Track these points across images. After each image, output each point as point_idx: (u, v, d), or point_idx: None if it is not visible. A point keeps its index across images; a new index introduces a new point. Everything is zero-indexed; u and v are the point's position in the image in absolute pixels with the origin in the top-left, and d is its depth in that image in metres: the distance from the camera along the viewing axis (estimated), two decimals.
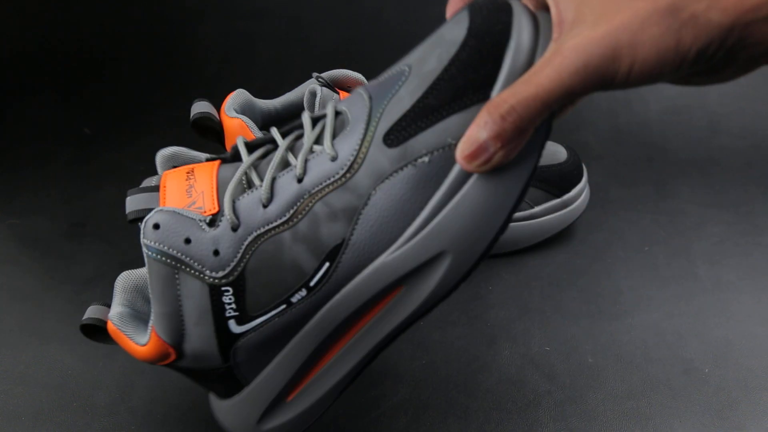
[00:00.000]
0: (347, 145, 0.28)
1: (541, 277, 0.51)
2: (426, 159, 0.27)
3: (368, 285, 0.29)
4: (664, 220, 0.58)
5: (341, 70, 0.50)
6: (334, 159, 0.28)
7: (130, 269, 0.37)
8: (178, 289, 0.30)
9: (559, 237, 0.55)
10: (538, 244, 0.54)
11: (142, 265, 0.54)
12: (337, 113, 0.30)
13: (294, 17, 0.85)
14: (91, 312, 0.34)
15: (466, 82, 0.26)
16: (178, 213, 0.29)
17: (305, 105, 0.49)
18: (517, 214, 0.52)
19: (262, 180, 0.30)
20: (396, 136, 0.27)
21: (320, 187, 0.28)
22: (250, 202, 0.29)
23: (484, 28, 0.26)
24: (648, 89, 0.77)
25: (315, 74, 0.50)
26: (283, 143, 0.30)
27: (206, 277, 0.29)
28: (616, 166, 0.67)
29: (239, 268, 0.29)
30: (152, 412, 0.40)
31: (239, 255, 0.29)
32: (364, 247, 0.28)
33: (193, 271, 0.29)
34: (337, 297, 0.29)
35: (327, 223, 0.28)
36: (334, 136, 0.29)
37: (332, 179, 0.28)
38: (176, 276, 0.29)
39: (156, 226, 0.29)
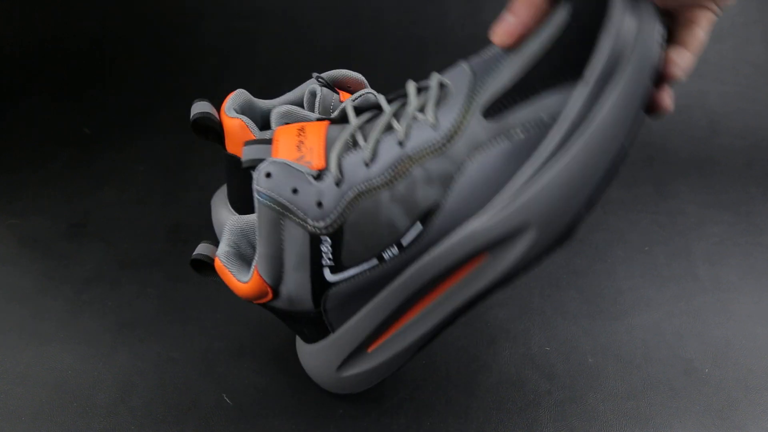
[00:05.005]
0: (449, 115, 0.30)
1: (541, 277, 0.51)
2: (520, 132, 0.28)
3: (456, 249, 0.30)
4: (664, 220, 0.58)
5: (341, 70, 0.50)
6: (434, 127, 0.30)
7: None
8: (282, 233, 0.32)
9: None
10: None
11: (142, 265, 0.54)
12: (441, 85, 0.32)
13: (294, 17, 0.85)
14: (201, 249, 0.37)
15: (563, 61, 0.27)
16: (289, 165, 0.31)
17: (305, 105, 0.49)
18: None
19: (366, 141, 0.32)
20: (494, 109, 0.29)
21: (420, 152, 0.30)
22: (354, 160, 0.31)
23: (585, 10, 0.27)
24: None
25: (315, 74, 0.50)
26: (388, 109, 0.32)
27: (308, 226, 0.32)
28: None
29: (339, 221, 0.31)
30: (152, 412, 0.40)
31: (340, 209, 0.31)
32: (456, 212, 0.30)
33: (297, 219, 0.32)
34: (426, 257, 0.31)
35: (423, 187, 0.30)
36: (437, 105, 0.31)
37: (432, 146, 0.30)
38: (282, 222, 0.32)
39: (268, 175, 0.31)
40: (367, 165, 0.31)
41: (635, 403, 0.40)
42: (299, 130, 0.34)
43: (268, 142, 0.34)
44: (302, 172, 0.31)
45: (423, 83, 0.33)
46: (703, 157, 0.68)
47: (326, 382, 0.39)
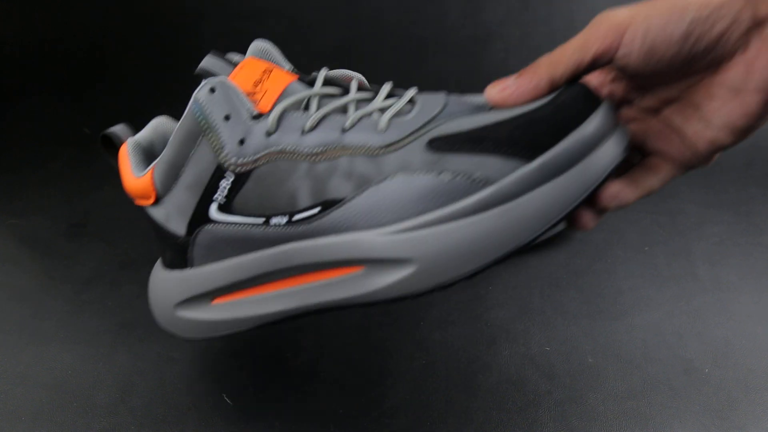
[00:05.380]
0: (399, 129, 0.30)
1: (541, 277, 0.51)
2: (448, 177, 0.28)
3: (338, 248, 0.30)
4: (664, 220, 0.58)
5: (341, 70, 0.50)
6: (381, 132, 0.30)
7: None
8: (194, 149, 0.32)
9: (559, 237, 0.55)
10: (539, 244, 0.54)
11: (142, 265, 0.54)
12: (412, 100, 0.32)
13: (294, 17, 0.85)
14: (119, 129, 0.37)
15: (522, 137, 0.28)
16: (236, 93, 0.32)
17: None
18: None
19: (317, 111, 0.32)
20: (440, 144, 0.29)
21: (355, 146, 0.30)
22: (294, 122, 0.31)
23: (566, 105, 0.28)
24: None
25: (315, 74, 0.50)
26: (352, 96, 0.32)
27: (221, 156, 0.31)
28: None
29: (250, 166, 0.31)
30: (152, 412, 0.40)
31: (257, 156, 0.31)
32: (355, 215, 0.30)
33: (214, 144, 0.31)
34: (308, 242, 0.31)
35: (340, 178, 0.30)
36: (396, 115, 0.31)
37: (368, 147, 0.30)
38: (199, 138, 0.32)
39: (212, 90, 0.31)
40: (303, 132, 0.31)
41: (635, 403, 0.40)
42: (266, 70, 0.33)
43: (232, 64, 0.33)
44: (244, 105, 0.31)
45: (399, 90, 0.33)
46: None
47: (162, 316, 0.38)
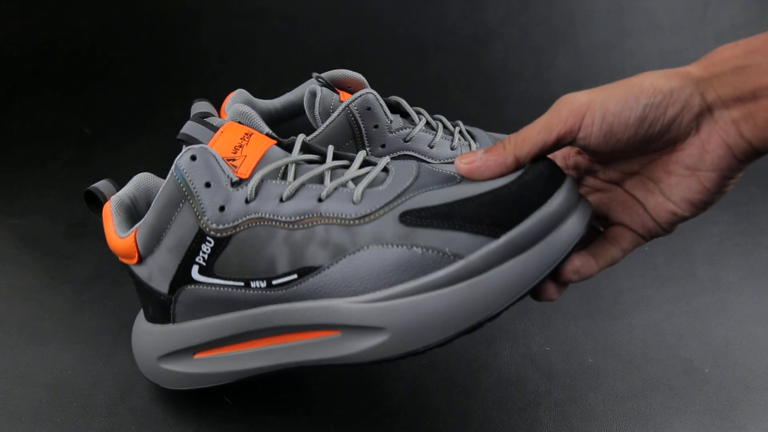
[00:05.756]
0: (372, 201, 0.31)
1: None
2: (420, 251, 0.29)
3: (314, 313, 0.31)
4: None
5: (341, 70, 0.50)
6: (355, 203, 0.31)
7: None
8: (176, 214, 0.33)
9: None
10: None
11: None
12: (386, 169, 0.33)
13: (294, 17, 0.85)
14: (102, 185, 0.38)
15: (487, 215, 0.28)
16: (216, 160, 0.32)
17: (305, 105, 0.49)
18: None
19: (294, 180, 0.32)
20: (411, 218, 0.29)
21: (331, 216, 0.31)
22: (272, 191, 0.32)
23: (531, 183, 0.29)
24: None
25: (315, 74, 0.50)
26: (328, 164, 0.33)
27: (202, 221, 0.32)
28: None
29: (230, 231, 0.32)
30: (152, 412, 0.40)
31: (237, 222, 0.32)
32: (331, 283, 0.30)
33: (195, 210, 0.32)
34: (285, 306, 0.32)
35: (316, 247, 0.31)
36: (370, 185, 0.32)
37: (343, 217, 0.31)
38: (181, 204, 0.33)
39: (193, 158, 0.32)
40: (281, 200, 0.32)
41: (635, 403, 0.40)
42: (246, 134, 0.34)
43: (213, 129, 0.34)
44: (224, 172, 0.32)
45: (373, 158, 0.34)
46: None
47: (145, 366, 0.39)
